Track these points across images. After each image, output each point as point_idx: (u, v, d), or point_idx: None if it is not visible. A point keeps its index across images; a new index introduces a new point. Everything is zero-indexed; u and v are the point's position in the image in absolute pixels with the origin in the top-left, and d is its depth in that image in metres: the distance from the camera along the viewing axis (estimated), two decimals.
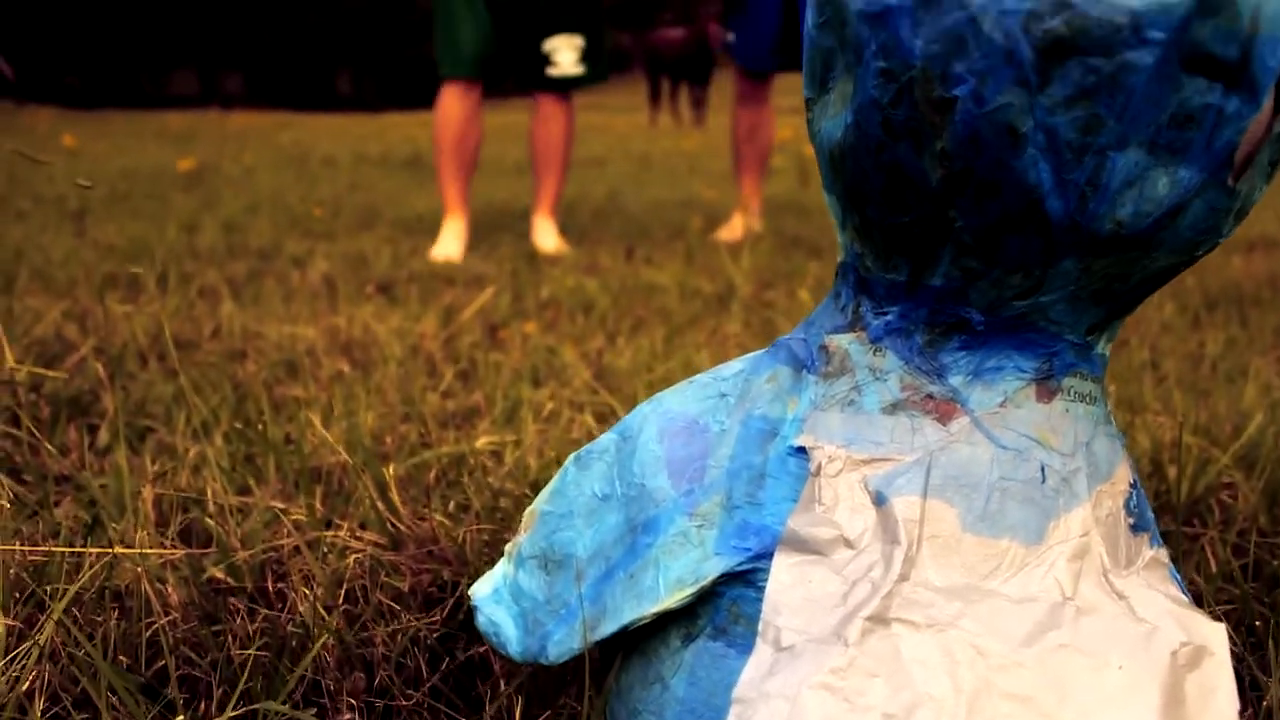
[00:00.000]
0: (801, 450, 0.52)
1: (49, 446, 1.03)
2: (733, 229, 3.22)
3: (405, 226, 3.37)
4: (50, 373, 1.21)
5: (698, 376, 0.60)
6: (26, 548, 0.82)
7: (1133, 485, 0.55)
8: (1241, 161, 0.46)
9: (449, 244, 2.80)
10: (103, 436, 1.23)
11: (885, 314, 0.53)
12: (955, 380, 0.51)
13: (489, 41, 2.81)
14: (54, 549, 0.81)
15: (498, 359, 1.57)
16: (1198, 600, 0.86)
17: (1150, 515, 0.56)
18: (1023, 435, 0.51)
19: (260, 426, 1.10)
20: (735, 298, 2.09)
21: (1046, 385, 0.52)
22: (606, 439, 0.61)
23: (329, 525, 0.95)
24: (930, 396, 0.52)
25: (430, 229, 3.21)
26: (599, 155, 7.29)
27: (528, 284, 2.25)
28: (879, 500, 0.50)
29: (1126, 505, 0.53)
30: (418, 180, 5.14)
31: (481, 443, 1.14)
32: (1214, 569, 0.90)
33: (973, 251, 0.48)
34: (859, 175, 0.49)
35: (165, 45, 22.88)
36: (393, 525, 0.91)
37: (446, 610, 0.81)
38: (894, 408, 0.52)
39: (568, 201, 4.12)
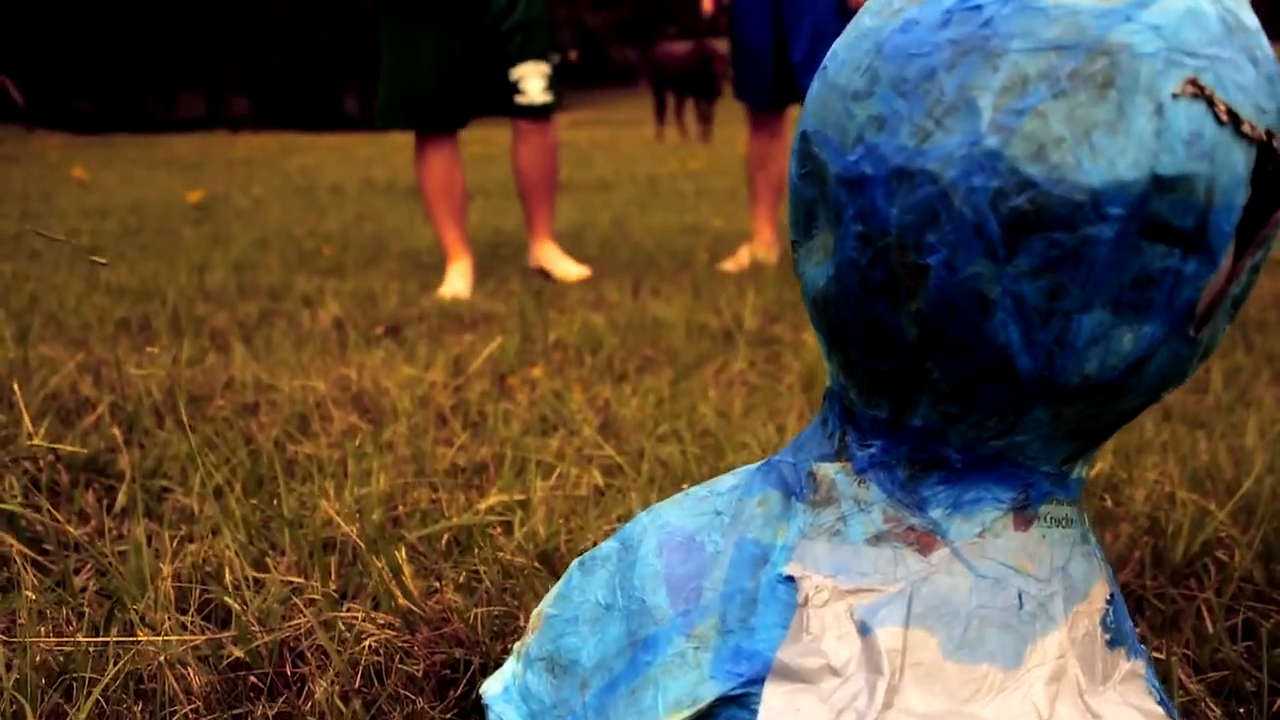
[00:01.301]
0: (790, 579, 0.55)
1: (70, 530, 1.06)
2: (739, 260, 3.24)
3: (413, 260, 3.40)
4: (67, 447, 1.25)
5: (694, 490, 0.63)
6: (52, 640, 0.85)
7: (1109, 600, 0.57)
8: (1202, 314, 0.49)
9: (456, 282, 2.80)
10: (120, 499, 1.26)
11: (869, 447, 0.56)
12: (935, 513, 0.54)
13: (449, 82, 2.77)
14: (79, 640, 0.84)
15: (506, 408, 1.60)
16: (1193, 666, 0.88)
17: (1129, 625, 0.58)
18: (1000, 564, 0.53)
19: (274, 501, 1.13)
20: (741, 334, 2.12)
21: (1024, 514, 0.54)
22: (609, 546, 0.64)
23: (344, 597, 0.98)
24: (912, 528, 0.54)
25: (437, 262, 3.24)
26: (606, 178, 7.32)
27: (535, 322, 2.28)
28: (863, 630, 0.53)
29: (1103, 621, 0.56)
30: (423, 209, 5.18)
31: (491, 502, 1.16)
32: (1210, 630, 0.92)
33: (949, 399, 0.51)
34: (841, 323, 0.52)
35: (172, 69, 23.05)
36: (406, 606, 0.94)
37: (459, 691, 0.84)
38: (878, 539, 0.55)
39: (576, 228, 4.15)
